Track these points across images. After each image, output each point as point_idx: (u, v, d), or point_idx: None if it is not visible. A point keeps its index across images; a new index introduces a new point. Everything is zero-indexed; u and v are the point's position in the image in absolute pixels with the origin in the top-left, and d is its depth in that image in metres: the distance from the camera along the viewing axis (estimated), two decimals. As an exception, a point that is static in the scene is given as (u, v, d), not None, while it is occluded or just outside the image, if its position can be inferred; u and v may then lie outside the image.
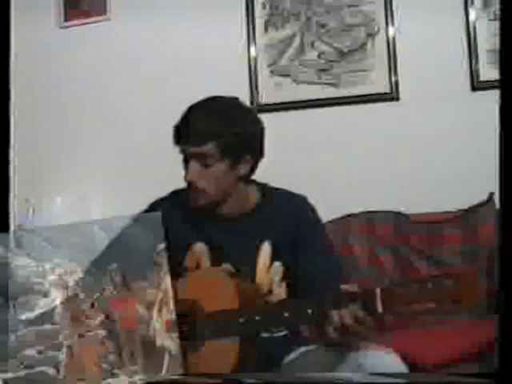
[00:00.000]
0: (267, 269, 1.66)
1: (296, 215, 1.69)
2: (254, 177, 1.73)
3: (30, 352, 1.42)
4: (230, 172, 1.64)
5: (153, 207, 1.76)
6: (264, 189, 1.74)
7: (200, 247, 1.67)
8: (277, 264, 1.66)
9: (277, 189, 1.75)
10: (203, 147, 1.60)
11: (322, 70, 2.94)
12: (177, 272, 1.56)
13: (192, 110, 1.66)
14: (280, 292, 1.66)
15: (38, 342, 1.42)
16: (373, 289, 1.36)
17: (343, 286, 1.43)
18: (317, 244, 1.68)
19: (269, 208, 1.70)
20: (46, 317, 1.44)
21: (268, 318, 1.48)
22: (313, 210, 1.74)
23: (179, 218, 1.71)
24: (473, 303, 1.28)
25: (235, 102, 1.73)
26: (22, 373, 1.40)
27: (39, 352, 1.42)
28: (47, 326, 1.43)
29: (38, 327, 1.43)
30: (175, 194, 1.77)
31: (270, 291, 1.65)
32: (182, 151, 1.65)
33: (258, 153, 1.69)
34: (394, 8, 2.85)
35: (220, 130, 1.60)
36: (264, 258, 1.66)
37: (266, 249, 1.66)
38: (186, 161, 1.65)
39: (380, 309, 1.35)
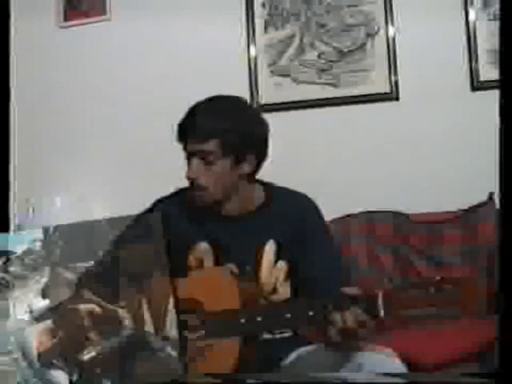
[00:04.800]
0: (271, 268, 1.66)
1: (300, 214, 1.69)
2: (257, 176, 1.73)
3: None
4: (231, 170, 1.64)
5: (157, 205, 1.76)
6: (268, 188, 1.74)
7: (203, 247, 1.67)
8: (281, 263, 1.66)
9: (281, 188, 1.75)
10: (205, 144, 1.60)
11: (322, 70, 2.94)
12: (179, 271, 1.56)
13: (196, 107, 1.66)
14: (284, 291, 1.66)
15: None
16: (375, 292, 1.37)
17: (345, 288, 1.43)
18: (321, 244, 1.68)
19: (273, 207, 1.70)
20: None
21: (269, 319, 1.48)
22: (317, 209, 1.74)
23: (183, 216, 1.71)
24: (473, 308, 1.28)
25: (240, 102, 1.73)
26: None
27: None
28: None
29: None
30: (180, 192, 1.76)
31: (275, 290, 1.65)
32: (185, 148, 1.65)
33: (261, 153, 1.69)
34: (393, 8, 2.85)
35: (223, 127, 1.60)
36: (268, 257, 1.66)
37: (270, 248, 1.66)
38: (189, 158, 1.65)
39: (382, 312, 1.35)
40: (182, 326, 1.47)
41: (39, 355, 1.28)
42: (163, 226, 1.46)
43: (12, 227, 2.77)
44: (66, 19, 3.27)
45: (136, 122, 3.12)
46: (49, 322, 1.29)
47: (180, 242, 1.62)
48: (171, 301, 1.35)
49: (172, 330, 1.35)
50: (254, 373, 1.46)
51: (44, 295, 1.31)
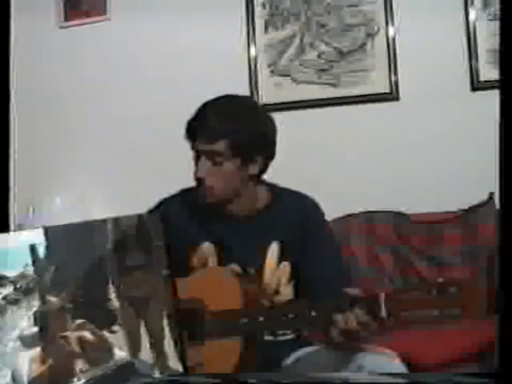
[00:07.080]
0: (274, 269, 1.66)
1: (304, 216, 1.69)
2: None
3: None
4: (239, 171, 1.63)
5: (162, 204, 1.76)
6: (273, 189, 1.74)
7: (207, 247, 1.67)
8: (284, 264, 1.66)
9: (284, 189, 1.75)
10: (214, 145, 1.60)
11: (322, 70, 2.94)
12: (181, 271, 1.56)
13: (206, 107, 1.65)
14: (287, 292, 1.66)
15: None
16: (377, 293, 1.37)
17: (347, 289, 1.43)
18: (322, 245, 1.68)
19: (277, 208, 1.70)
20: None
21: (271, 319, 1.48)
22: (319, 210, 1.74)
23: (187, 216, 1.71)
24: (474, 310, 1.29)
25: (249, 102, 1.74)
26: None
27: None
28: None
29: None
30: (185, 192, 1.76)
31: (278, 291, 1.66)
32: (193, 147, 1.65)
33: (269, 153, 1.68)
34: (393, 8, 2.85)
35: (232, 128, 1.60)
36: (271, 258, 1.66)
37: (273, 249, 1.66)
38: (197, 157, 1.64)
39: (384, 314, 1.35)
40: (181, 326, 1.47)
41: (30, 382, 1.28)
42: (166, 227, 1.46)
43: (12, 227, 2.77)
44: (66, 19, 3.27)
45: (136, 122, 3.12)
46: (39, 349, 1.29)
47: (183, 242, 1.62)
48: (167, 303, 1.34)
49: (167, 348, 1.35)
50: (255, 373, 1.46)
51: (35, 321, 1.31)
